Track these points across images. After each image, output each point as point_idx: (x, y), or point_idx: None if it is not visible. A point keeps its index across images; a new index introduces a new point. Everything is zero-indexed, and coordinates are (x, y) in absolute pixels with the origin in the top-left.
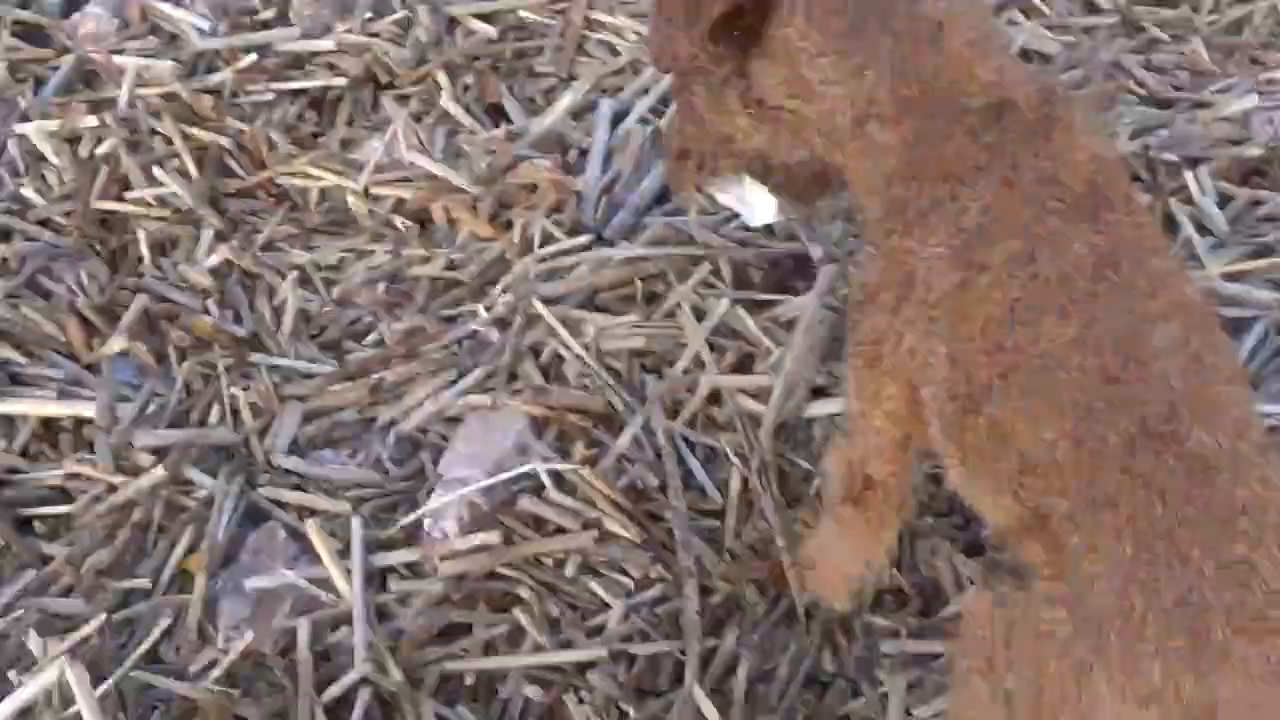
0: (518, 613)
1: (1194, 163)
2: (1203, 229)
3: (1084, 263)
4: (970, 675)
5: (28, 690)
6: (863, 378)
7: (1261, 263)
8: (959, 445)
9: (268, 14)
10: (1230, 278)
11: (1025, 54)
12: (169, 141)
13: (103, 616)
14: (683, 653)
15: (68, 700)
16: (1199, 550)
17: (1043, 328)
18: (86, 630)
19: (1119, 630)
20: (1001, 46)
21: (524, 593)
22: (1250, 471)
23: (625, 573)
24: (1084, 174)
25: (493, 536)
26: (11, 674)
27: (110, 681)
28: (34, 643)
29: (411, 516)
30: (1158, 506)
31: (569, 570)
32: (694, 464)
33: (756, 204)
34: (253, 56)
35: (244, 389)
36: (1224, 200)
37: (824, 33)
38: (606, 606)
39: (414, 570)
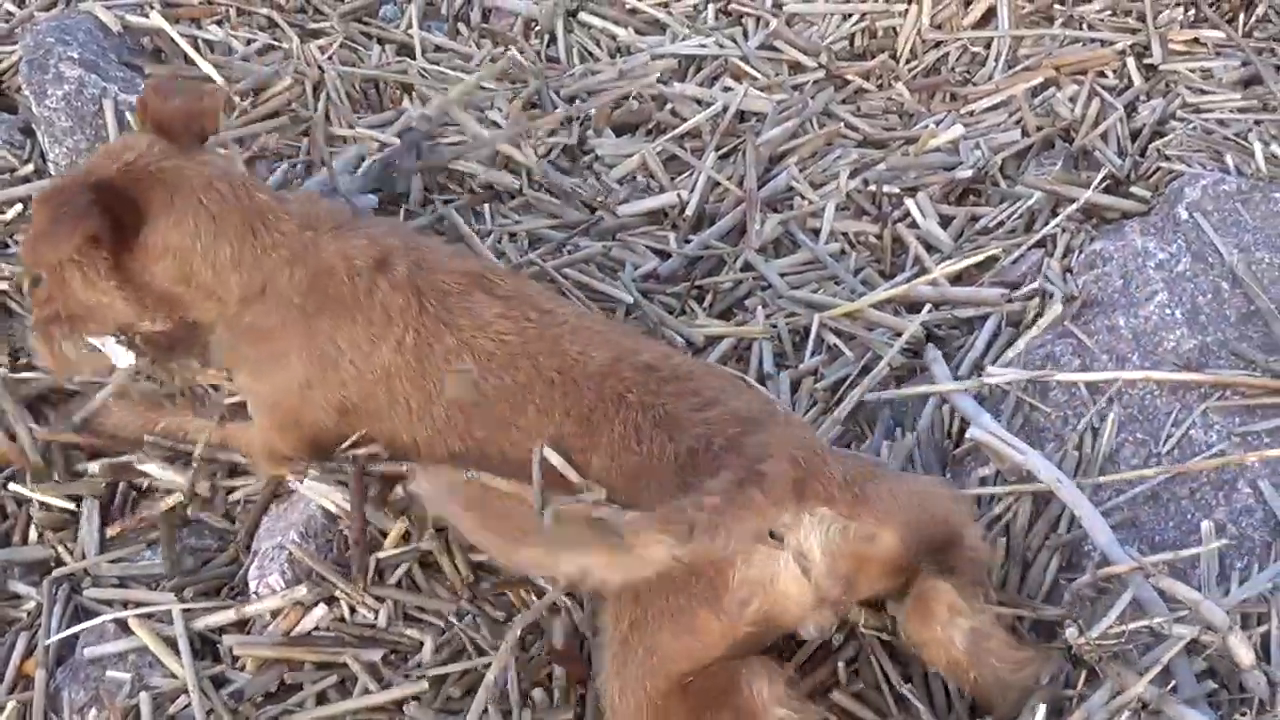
0: (346, 659)
1: (913, 191)
2: (930, 248)
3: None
4: None
5: None
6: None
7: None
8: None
9: (26, 169)
10: (957, 282)
11: (741, 115)
12: None
13: None
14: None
15: None
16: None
17: None
18: None
19: None
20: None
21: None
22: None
23: (438, 614)
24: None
25: (311, 593)
26: None
27: None
28: None
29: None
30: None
31: (381, 619)
32: None
33: (118, 354)
34: (18, 208)
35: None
36: (945, 220)
37: (212, 246)
38: (420, 645)
39: (244, 632)
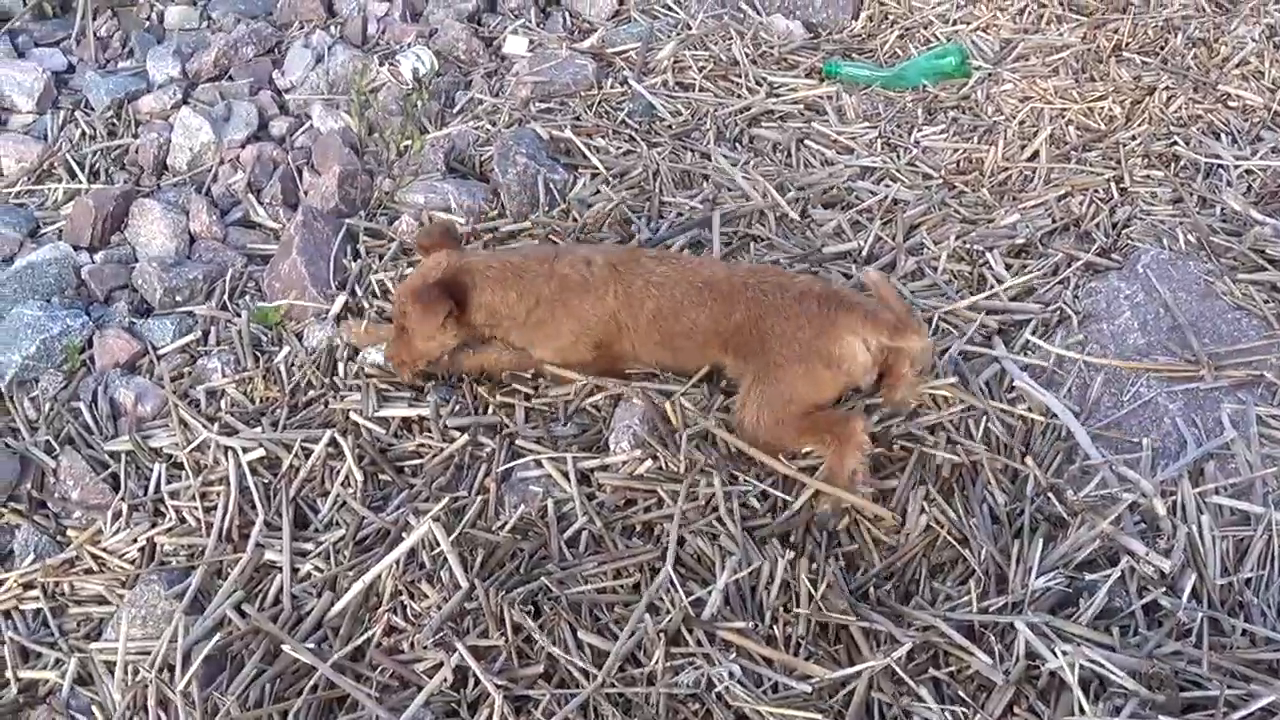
0: (658, 490)
1: (989, 250)
2: (998, 279)
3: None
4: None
5: (412, 537)
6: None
7: None
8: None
9: (493, 213)
10: (1014, 299)
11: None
12: None
13: (444, 500)
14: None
15: (434, 548)
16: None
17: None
18: (436, 509)
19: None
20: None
21: (663, 492)
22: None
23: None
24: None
25: (644, 453)
26: (404, 535)
27: (454, 534)
28: (413, 519)
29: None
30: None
31: (682, 468)
32: None
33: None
34: (489, 235)
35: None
36: (1007, 265)
37: (504, 296)
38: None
39: (605, 471)
